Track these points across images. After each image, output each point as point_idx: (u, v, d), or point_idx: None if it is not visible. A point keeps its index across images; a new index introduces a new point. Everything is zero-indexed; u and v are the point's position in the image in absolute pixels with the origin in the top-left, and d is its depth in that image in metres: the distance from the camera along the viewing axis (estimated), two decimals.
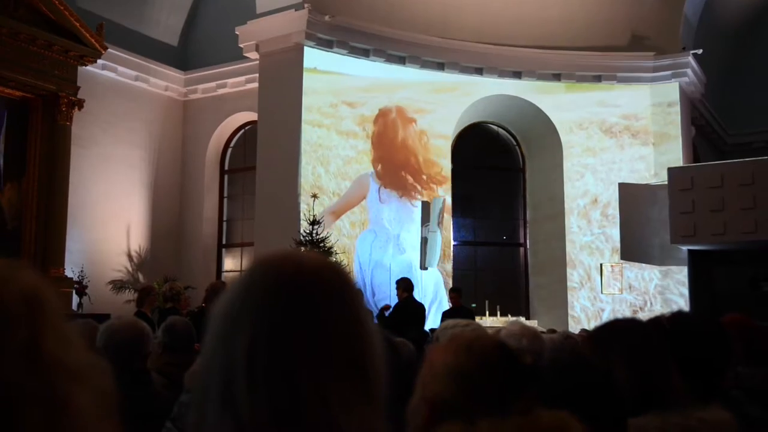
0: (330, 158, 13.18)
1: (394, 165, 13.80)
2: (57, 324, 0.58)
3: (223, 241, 15.72)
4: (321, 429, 0.90)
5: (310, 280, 0.98)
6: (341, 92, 13.42)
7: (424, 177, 14.04)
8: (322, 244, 11.37)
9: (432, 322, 11.67)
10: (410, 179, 13.92)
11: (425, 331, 8.92)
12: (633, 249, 14.22)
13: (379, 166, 13.65)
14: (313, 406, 0.90)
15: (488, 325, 10.73)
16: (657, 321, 2.27)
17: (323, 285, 0.98)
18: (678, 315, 2.31)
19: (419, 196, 13.91)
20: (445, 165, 14.33)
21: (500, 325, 9.62)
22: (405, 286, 9.80)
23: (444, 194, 14.09)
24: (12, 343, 0.53)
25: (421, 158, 14.07)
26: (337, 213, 13.11)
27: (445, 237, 14.07)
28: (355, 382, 0.95)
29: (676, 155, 14.57)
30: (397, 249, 13.50)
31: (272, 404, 0.90)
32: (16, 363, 0.52)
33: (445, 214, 14.03)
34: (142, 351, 3.25)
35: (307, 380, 0.91)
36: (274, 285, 0.97)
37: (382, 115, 13.78)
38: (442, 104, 14.33)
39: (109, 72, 14.02)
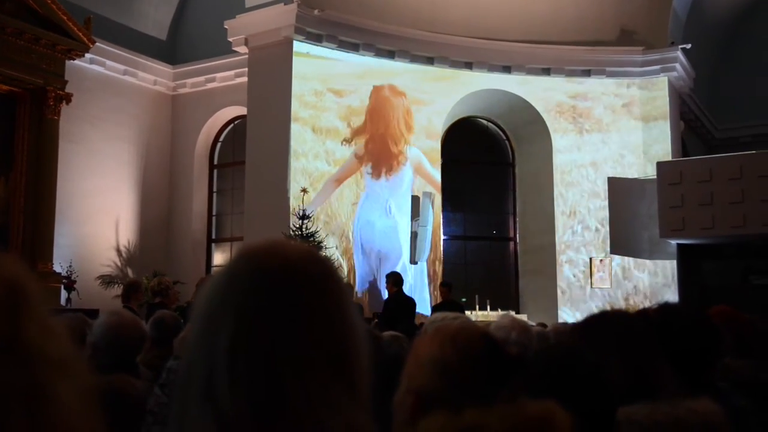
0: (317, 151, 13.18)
1: (383, 139, 13.92)
2: (39, 314, 0.57)
3: (213, 236, 15.68)
4: (303, 423, 0.89)
5: (293, 273, 0.96)
6: (329, 79, 13.42)
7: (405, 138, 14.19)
8: (312, 239, 11.38)
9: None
10: (395, 147, 14.03)
11: (414, 325, 8.94)
12: (622, 243, 14.27)
13: (370, 145, 13.74)
14: (296, 400, 0.89)
15: (478, 319, 10.76)
16: (644, 313, 2.28)
17: (307, 278, 0.97)
18: (665, 307, 2.31)
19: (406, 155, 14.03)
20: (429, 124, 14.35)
21: (490, 319, 9.65)
22: (394, 280, 9.88)
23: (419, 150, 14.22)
24: None
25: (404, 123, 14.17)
26: (339, 180, 13.31)
27: (434, 231, 14.09)
28: (339, 376, 0.94)
29: (665, 150, 14.62)
30: (384, 212, 13.59)
31: (254, 398, 0.89)
32: None
33: (431, 209, 14.04)
34: (137, 346, 3.23)
35: (290, 374, 0.90)
36: (258, 277, 0.95)
37: (376, 92, 13.85)
38: (436, 93, 14.35)
39: (97, 66, 13.94)
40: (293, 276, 0.96)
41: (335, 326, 0.96)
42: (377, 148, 13.75)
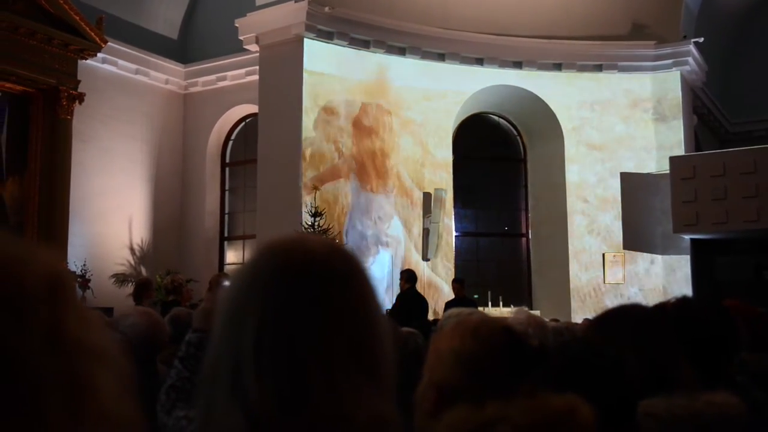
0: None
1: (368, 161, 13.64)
2: (77, 305, 0.58)
3: (225, 234, 15.73)
4: (328, 414, 0.90)
5: (318, 266, 0.97)
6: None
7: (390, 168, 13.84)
8: (324, 237, 11.39)
9: None
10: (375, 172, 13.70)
11: (428, 321, 8.94)
12: (635, 238, 14.21)
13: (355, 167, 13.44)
14: (321, 391, 0.90)
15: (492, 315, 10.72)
16: (662, 307, 2.27)
17: (331, 270, 0.98)
18: (683, 301, 2.30)
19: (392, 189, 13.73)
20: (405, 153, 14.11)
21: (505, 315, 9.64)
22: (408, 277, 9.89)
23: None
24: (34, 325, 0.53)
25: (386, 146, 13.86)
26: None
27: (447, 227, 14.08)
28: (363, 367, 0.95)
29: (677, 144, 14.55)
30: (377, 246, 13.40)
31: (279, 390, 0.90)
32: (39, 345, 0.53)
33: (444, 206, 13.99)
34: (157, 343, 3.26)
35: (315, 366, 0.91)
36: (282, 270, 0.96)
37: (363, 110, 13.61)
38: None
39: (110, 66, 14.01)
40: (316, 269, 0.97)
41: (359, 319, 0.97)
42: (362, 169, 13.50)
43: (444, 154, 14.32)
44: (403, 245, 13.68)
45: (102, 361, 0.57)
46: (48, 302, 0.55)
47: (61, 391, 0.53)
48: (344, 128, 13.33)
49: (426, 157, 14.12)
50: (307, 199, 12.34)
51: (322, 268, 0.97)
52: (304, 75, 12.90)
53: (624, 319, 1.95)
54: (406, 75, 13.94)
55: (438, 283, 13.75)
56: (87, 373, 0.55)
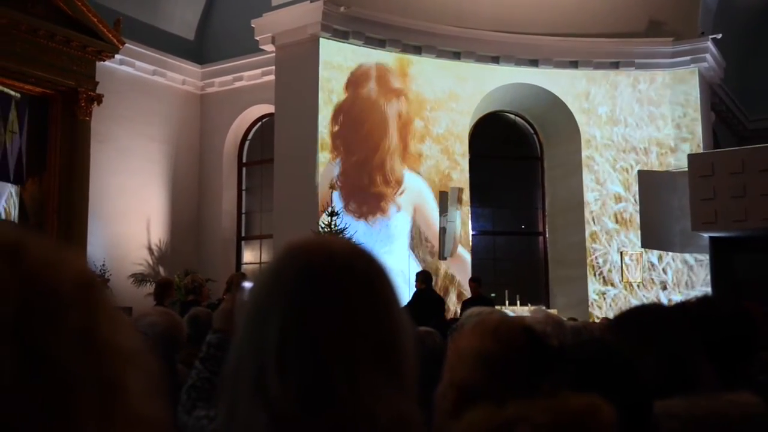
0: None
1: (357, 163, 13.26)
2: (108, 307, 0.59)
3: (242, 234, 15.79)
4: (351, 413, 0.91)
5: (340, 266, 0.98)
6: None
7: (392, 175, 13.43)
8: (341, 236, 11.41)
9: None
10: (377, 184, 13.35)
11: (445, 321, 8.93)
12: (654, 237, 14.11)
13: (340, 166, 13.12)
14: (344, 390, 0.91)
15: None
16: (683, 306, 2.26)
17: (353, 271, 0.99)
18: (704, 300, 2.29)
19: (392, 208, 13.40)
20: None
21: (522, 314, 9.61)
22: (423, 278, 9.87)
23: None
24: (67, 328, 0.54)
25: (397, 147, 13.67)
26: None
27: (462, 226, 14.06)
28: (386, 367, 0.95)
29: (696, 141, 14.45)
30: None
31: (302, 389, 0.91)
32: (72, 348, 0.53)
33: (459, 205, 13.95)
34: (176, 343, 3.28)
35: (338, 365, 0.92)
36: (305, 271, 0.97)
37: (355, 82, 13.42)
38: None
39: (127, 67, 14.10)
40: (339, 270, 0.98)
41: (381, 318, 0.98)
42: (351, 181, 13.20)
43: (460, 153, 14.29)
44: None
45: (131, 362, 0.58)
46: (79, 304, 0.56)
47: (93, 393, 0.54)
48: None
49: (442, 156, 14.12)
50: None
51: (344, 269, 0.98)
52: (321, 72, 12.95)
53: (643, 319, 1.94)
54: (423, 74, 13.93)
55: (454, 281, 13.73)
56: (117, 374, 0.56)
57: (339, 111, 13.08)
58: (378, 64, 13.48)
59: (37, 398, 0.51)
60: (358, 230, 12.40)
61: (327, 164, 12.86)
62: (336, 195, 12.70)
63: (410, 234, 13.46)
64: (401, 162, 13.55)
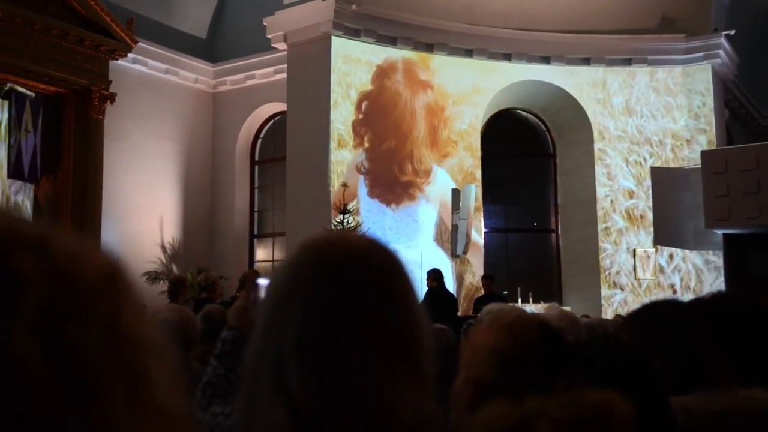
0: None
1: (386, 152, 13.39)
2: (132, 299, 0.60)
3: (255, 232, 15.83)
4: (371, 408, 0.91)
5: (359, 262, 0.99)
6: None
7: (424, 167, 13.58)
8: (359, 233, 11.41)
9: None
10: (406, 173, 13.48)
11: (458, 318, 8.93)
12: (667, 234, 14.04)
13: (366, 155, 13.25)
14: (362, 386, 0.92)
15: None
16: (698, 302, 2.25)
17: (371, 267, 0.99)
18: (719, 296, 2.28)
19: (420, 197, 13.51)
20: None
21: (536, 311, 9.60)
22: (434, 275, 9.87)
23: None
24: (93, 321, 0.54)
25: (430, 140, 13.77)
26: None
27: (475, 225, 14.03)
28: (404, 362, 0.96)
29: (709, 138, 14.37)
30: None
31: (322, 384, 0.92)
32: (98, 340, 0.54)
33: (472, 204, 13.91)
34: (189, 340, 3.30)
35: (357, 361, 0.92)
36: (324, 266, 0.98)
37: (381, 74, 13.50)
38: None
39: (140, 66, 14.16)
40: (357, 265, 0.98)
41: (399, 314, 0.98)
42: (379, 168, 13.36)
43: (473, 149, 14.28)
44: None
45: (155, 354, 0.58)
46: (105, 297, 0.56)
47: (120, 385, 0.54)
48: None
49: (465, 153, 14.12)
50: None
51: (362, 264, 0.99)
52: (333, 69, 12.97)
53: (658, 315, 1.94)
54: (435, 70, 13.92)
55: (466, 279, 13.72)
56: (142, 366, 0.57)
57: (364, 99, 13.18)
58: (404, 58, 13.52)
59: (67, 392, 0.52)
60: (381, 217, 12.62)
61: (344, 161, 12.88)
62: (361, 180, 12.78)
63: (436, 227, 13.50)
64: (430, 153, 13.60)
